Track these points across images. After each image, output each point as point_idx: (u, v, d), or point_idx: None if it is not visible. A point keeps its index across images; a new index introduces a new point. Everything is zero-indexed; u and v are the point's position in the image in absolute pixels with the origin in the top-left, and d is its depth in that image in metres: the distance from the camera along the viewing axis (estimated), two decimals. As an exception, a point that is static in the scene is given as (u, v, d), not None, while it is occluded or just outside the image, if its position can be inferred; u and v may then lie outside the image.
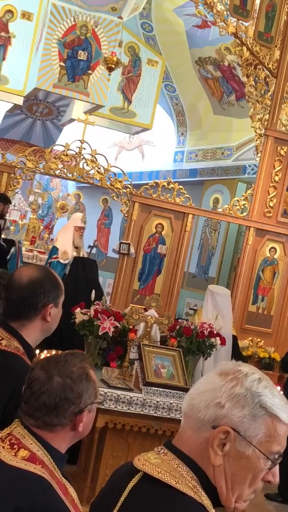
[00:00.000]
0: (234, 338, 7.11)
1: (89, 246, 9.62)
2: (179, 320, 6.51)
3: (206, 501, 1.44)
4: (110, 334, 5.52)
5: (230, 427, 1.46)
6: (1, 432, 1.95)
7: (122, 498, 1.48)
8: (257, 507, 6.87)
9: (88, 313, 5.55)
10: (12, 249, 9.46)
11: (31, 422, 1.94)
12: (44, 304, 2.55)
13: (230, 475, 1.47)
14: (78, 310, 5.58)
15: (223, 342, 6.11)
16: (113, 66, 9.06)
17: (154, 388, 5.27)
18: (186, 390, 5.32)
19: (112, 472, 1.68)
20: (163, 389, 5.30)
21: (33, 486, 1.78)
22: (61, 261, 9.25)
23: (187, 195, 10.31)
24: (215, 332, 5.97)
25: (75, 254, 9.37)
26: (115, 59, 8.94)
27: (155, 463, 1.47)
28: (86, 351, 5.67)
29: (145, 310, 6.13)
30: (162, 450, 1.50)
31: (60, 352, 2.10)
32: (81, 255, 9.47)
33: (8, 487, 1.76)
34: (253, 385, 1.49)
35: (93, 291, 5.86)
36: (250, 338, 10.40)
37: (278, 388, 5.02)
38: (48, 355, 2.08)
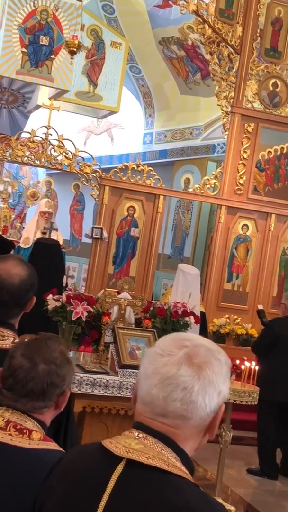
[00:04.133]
0: (203, 315, 7.17)
1: (44, 228, 9.59)
2: (153, 301, 6.51)
3: (192, 479, 1.45)
4: (84, 319, 5.51)
5: (223, 402, 1.50)
6: None
7: (108, 489, 1.41)
8: (239, 482, 6.94)
9: (60, 299, 5.53)
10: (12, 253, 9.40)
11: (18, 407, 1.98)
12: (30, 297, 2.67)
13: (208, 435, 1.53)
14: (50, 296, 5.56)
15: (197, 320, 6.13)
16: (75, 49, 8.94)
17: (130, 370, 5.27)
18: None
19: (62, 464, 1.60)
20: (139, 371, 5.31)
21: None
22: (22, 246, 9.29)
23: (157, 177, 10.31)
24: (188, 311, 5.99)
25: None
26: (76, 42, 8.83)
27: (138, 448, 1.43)
28: (60, 337, 5.65)
29: (118, 293, 6.12)
30: (141, 435, 1.46)
31: (34, 336, 2.12)
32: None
33: (46, 468, 1.75)
34: (222, 353, 1.54)
35: (65, 277, 5.86)
36: (226, 316, 10.46)
37: (254, 363, 5.01)
38: (25, 341, 2.10)
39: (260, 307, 8.27)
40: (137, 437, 1.46)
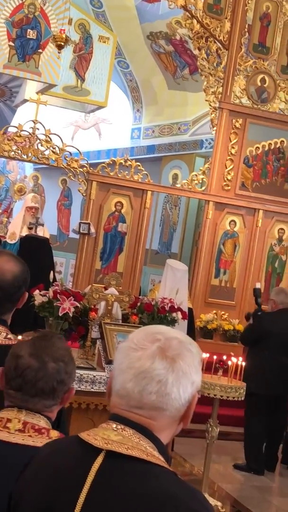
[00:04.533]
0: (190, 311, 7.18)
1: (30, 223, 9.55)
2: (140, 297, 6.50)
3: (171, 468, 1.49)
4: (71, 315, 5.48)
5: (197, 391, 1.54)
6: (4, 424, 1.98)
7: (88, 480, 1.43)
8: (226, 477, 6.95)
9: (47, 295, 5.50)
10: None
11: (30, 407, 1.99)
12: (23, 293, 2.70)
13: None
14: (37, 292, 5.53)
15: (184, 316, 6.12)
16: (62, 43, 8.91)
17: (117, 366, 5.26)
18: (149, 366, 5.32)
19: (39, 459, 1.59)
20: (113, 365, 5.28)
21: None
22: (8, 241, 9.26)
23: (145, 172, 10.29)
24: (176, 306, 5.98)
25: (24, 234, 9.39)
26: (64, 36, 8.80)
27: (117, 440, 1.46)
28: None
29: (105, 288, 6.10)
30: (119, 427, 1.49)
31: (36, 334, 2.14)
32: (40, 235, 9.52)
33: None
34: (194, 344, 1.56)
35: (52, 272, 5.84)
36: (214, 311, 10.47)
37: (241, 359, 5.01)
38: (29, 339, 2.09)
39: (258, 285, 8.20)
40: (115, 429, 1.48)
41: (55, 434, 1.98)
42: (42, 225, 9.78)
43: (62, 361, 2.03)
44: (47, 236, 9.94)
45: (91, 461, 1.45)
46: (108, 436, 1.47)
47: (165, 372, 1.48)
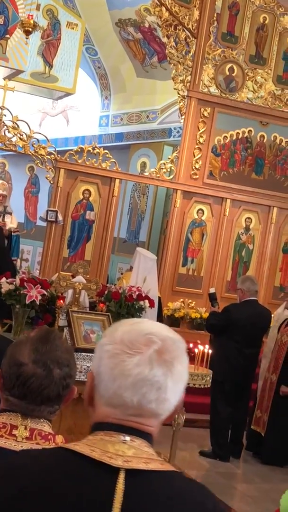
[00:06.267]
0: (158, 299, 7.21)
1: None
2: (108, 285, 6.51)
3: None
4: (38, 302, 5.47)
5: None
6: (10, 432, 1.90)
7: (116, 506, 1.27)
8: (192, 464, 7.02)
9: (14, 282, 5.48)
10: None
11: (35, 415, 1.92)
12: None
13: None
14: (3, 279, 5.50)
15: (151, 304, 6.14)
16: (30, 29, 8.85)
17: (84, 353, 5.26)
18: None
19: (16, 473, 1.35)
20: (93, 354, 5.29)
21: None
22: None
23: (113, 160, 10.25)
24: (143, 295, 6.00)
25: None
26: (32, 22, 8.74)
27: (132, 454, 1.34)
28: (14, 320, 5.61)
29: (73, 276, 6.10)
30: (128, 438, 1.37)
31: (31, 333, 2.03)
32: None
33: None
34: (181, 339, 1.48)
35: (18, 260, 5.83)
36: (181, 300, 10.51)
37: (207, 347, 5.05)
38: (29, 342, 1.97)
39: (212, 290, 8.20)
40: (124, 441, 1.36)
41: (60, 439, 1.92)
42: (10, 213, 9.70)
43: (67, 366, 1.94)
44: (15, 224, 9.85)
45: (110, 483, 1.30)
46: (124, 452, 1.33)
47: (164, 378, 1.38)
